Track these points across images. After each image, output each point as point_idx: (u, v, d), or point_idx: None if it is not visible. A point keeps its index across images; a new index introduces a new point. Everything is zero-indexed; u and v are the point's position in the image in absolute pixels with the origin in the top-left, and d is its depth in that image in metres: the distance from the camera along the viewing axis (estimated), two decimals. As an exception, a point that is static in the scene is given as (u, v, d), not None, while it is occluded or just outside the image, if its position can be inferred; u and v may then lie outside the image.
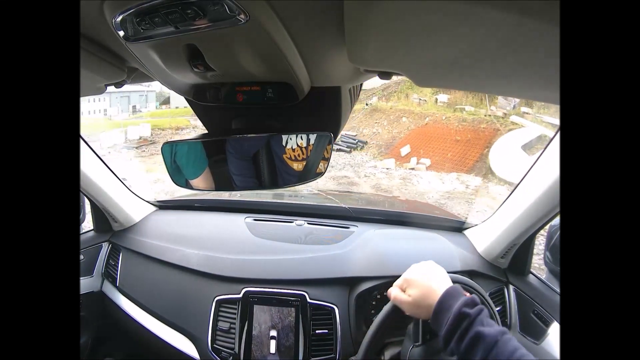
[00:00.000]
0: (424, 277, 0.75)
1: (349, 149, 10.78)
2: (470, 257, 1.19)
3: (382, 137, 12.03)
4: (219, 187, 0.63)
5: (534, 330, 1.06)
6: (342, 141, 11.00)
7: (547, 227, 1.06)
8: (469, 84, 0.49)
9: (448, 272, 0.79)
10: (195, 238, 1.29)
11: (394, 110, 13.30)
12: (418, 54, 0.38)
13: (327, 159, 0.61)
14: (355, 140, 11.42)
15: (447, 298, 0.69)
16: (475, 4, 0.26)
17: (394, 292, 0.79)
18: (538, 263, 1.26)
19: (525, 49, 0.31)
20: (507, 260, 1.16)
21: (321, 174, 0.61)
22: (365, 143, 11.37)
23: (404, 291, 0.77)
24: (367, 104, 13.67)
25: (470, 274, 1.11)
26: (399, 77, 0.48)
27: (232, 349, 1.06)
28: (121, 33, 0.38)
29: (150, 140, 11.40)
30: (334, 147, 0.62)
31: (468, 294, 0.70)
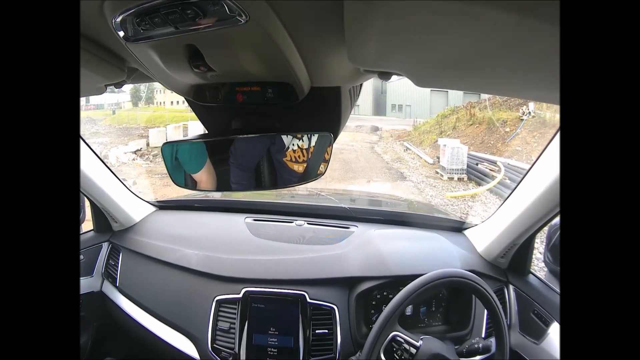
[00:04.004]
0: None
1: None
2: (470, 257, 1.19)
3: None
4: (219, 187, 0.63)
5: (534, 330, 1.06)
6: (510, 178, 6.38)
7: (546, 227, 1.06)
8: (469, 84, 0.49)
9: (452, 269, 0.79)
10: (195, 238, 1.29)
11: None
12: (418, 54, 0.38)
13: (327, 160, 0.61)
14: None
15: None
16: (475, 4, 0.26)
17: None
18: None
19: (525, 49, 0.31)
20: (507, 260, 1.16)
21: (321, 174, 0.61)
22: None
23: None
24: (523, 114, 8.79)
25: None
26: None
27: (232, 349, 1.06)
28: (121, 33, 0.38)
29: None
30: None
31: None
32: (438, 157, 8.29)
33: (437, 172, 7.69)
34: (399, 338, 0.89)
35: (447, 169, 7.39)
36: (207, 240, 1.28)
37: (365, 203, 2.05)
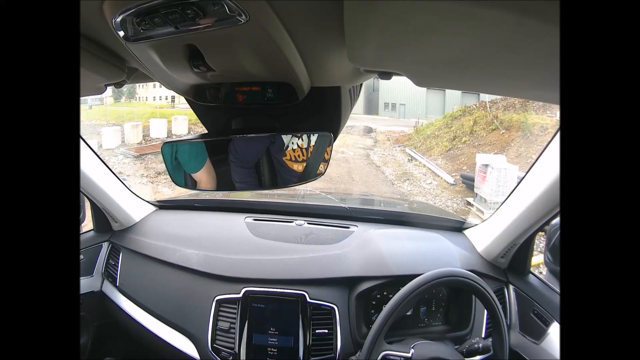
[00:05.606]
0: None
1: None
2: (470, 257, 1.19)
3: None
4: (219, 187, 0.63)
5: (534, 330, 1.06)
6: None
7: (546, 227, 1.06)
8: (468, 84, 0.49)
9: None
10: (195, 238, 1.29)
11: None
12: (418, 54, 0.38)
13: (327, 160, 0.61)
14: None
15: None
16: (475, 4, 0.26)
17: None
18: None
19: (525, 49, 0.31)
20: (507, 260, 1.16)
21: (321, 174, 0.62)
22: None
23: None
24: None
25: None
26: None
27: (232, 349, 1.06)
28: (121, 33, 0.38)
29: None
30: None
31: None
32: (462, 176, 6.23)
33: (470, 204, 4.96)
34: (389, 357, 0.87)
35: (489, 202, 4.60)
36: (207, 240, 1.28)
37: (365, 203, 2.05)
